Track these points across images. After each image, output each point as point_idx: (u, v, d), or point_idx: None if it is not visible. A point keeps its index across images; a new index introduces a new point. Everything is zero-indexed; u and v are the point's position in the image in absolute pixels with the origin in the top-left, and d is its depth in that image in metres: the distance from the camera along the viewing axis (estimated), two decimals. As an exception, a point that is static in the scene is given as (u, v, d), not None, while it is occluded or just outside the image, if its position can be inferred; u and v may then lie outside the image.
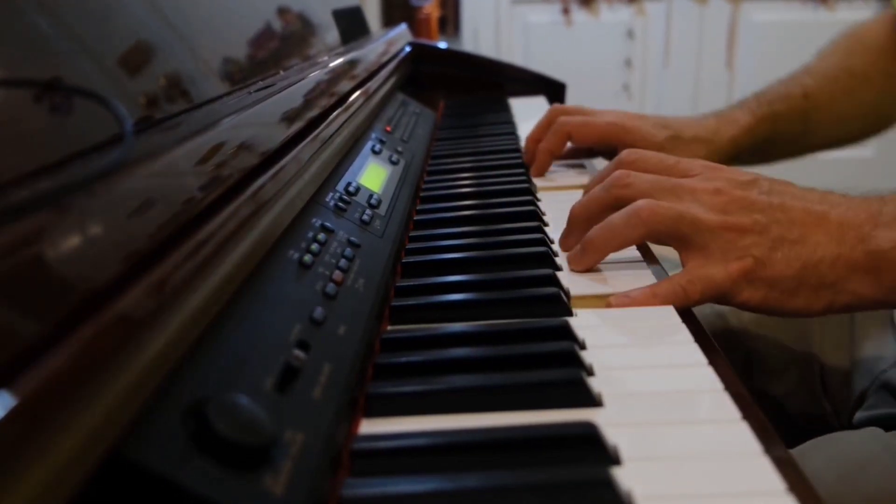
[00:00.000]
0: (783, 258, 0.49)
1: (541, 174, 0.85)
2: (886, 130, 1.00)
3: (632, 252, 0.58)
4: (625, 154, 0.58)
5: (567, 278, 0.55)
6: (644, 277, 0.55)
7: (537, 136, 0.86)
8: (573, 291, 0.53)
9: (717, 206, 0.50)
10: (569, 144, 0.86)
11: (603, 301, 0.51)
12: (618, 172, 0.54)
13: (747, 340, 0.80)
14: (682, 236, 0.50)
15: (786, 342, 0.78)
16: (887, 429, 0.58)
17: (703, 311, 0.83)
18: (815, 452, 0.55)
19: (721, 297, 0.50)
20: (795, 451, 0.56)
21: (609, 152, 0.87)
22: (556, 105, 0.89)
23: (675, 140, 0.86)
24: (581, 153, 0.90)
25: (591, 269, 0.55)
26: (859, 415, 0.66)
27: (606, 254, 0.55)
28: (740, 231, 0.49)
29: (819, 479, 0.51)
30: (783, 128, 0.93)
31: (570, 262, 0.56)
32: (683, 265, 0.51)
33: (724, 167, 0.55)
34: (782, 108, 0.92)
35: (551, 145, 0.84)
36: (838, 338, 0.76)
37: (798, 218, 0.50)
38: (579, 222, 0.57)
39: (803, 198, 0.51)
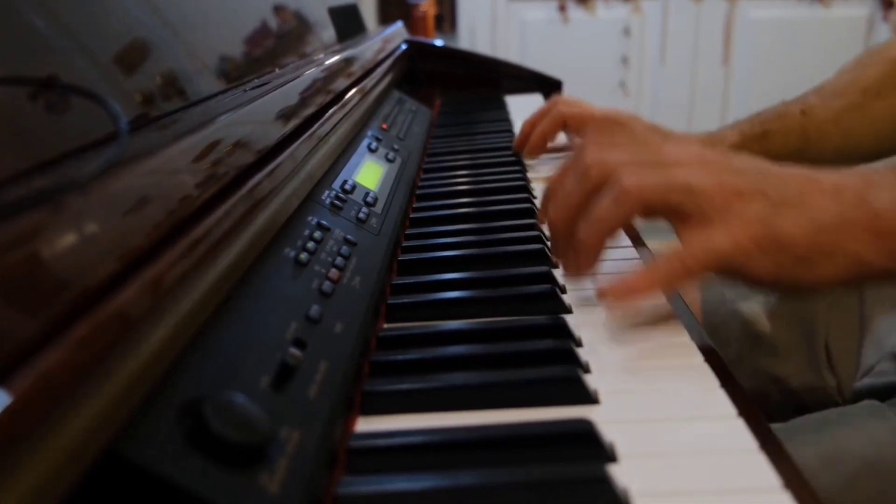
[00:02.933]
0: (790, 220, 0.43)
1: (533, 156, 0.89)
2: None
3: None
4: (590, 132, 0.51)
5: (563, 275, 0.55)
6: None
7: (534, 120, 0.89)
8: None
9: (707, 171, 0.46)
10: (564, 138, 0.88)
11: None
12: (588, 155, 0.48)
13: (754, 323, 0.80)
14: (676, 205, 0.45)
15: (793, 322, 0.79)
16: (884, 398, 0.59)
17: (710, 299, 0.84)
18: (804, 434, 0.56)
19: (729, 270, 0.44)
20: (781, 427, 0.57)
21: None
22: (559, 96, 0.91)
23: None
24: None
25: (592, 269, 0.49)
26: (861, 382, 0.67)
27: (602, 247, 0.48)
28: (738, 193, 0.44)
29: (807, 458, 0.52)
30: (777, 146, 0.92)
31: (566, 271, 0.51)
32: (680, 238, 0.46)
33: (699, 146, 0.50)
34: (776, 126, 0.91)
35: (546, 129, 0.87)
36: (847, 316, 0.77)
37: (793, 181, 0.45)
38: (562, 228, 0.50)
39: (787, 167, 0.47)
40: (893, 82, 0.88)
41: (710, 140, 0.92)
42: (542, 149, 0.88)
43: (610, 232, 0.47)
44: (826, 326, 0.77)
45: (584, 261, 0.48)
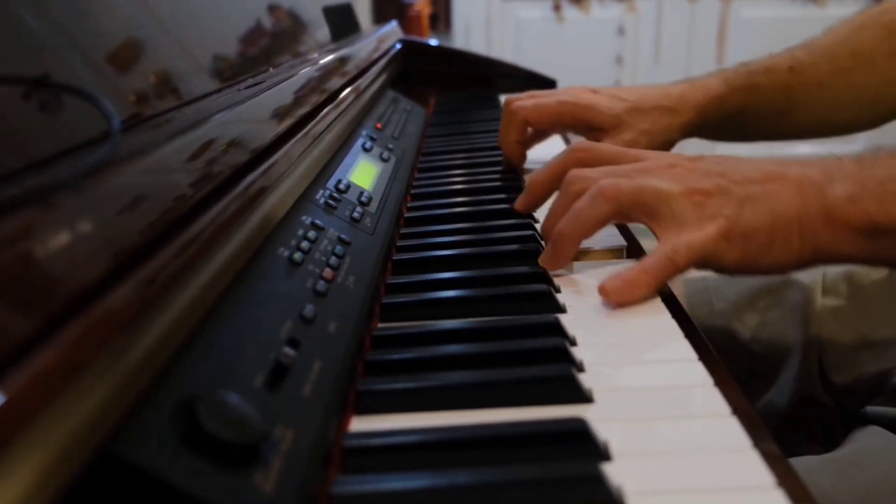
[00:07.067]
0: (752, 212, 0.49)
1: (521, 165, 0.83)
2: (885, 123, 0.89)
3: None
4: (573, 148, 0.58)
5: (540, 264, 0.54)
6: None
7: (502, 133, 0.83)
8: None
9: (676, 178, 0.51)
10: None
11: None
12: (570, 174, 0.54)
13: (748, 342, 0.78)
14: (650, 208, 0.50)
15: (786, 332, 0.76)
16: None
17: (699, 312, 0.81)
18: (825, 473, 0.53)
19: (705, 261, 0.50)
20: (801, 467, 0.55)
21: (579, 130, 0.83)
22: (508, 96, 0.85)
23: (635, 111, 0.81)
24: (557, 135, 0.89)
25: (567, 263, 0.54)
26: (870, 409, 0.65)
27: (579, 242, 0.53)
28: (705, 194, 0.50)
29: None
30: (761, 101, 0.87)
31: (544, 263, 0.54)
32: (658, 238, 0.51)
33: (671, 153, 0.56)
34: (763, 79, 0.86)
35: (513, 135, 0.81)
36: (841, 324, 0.74)
37: (756, 177, 0.50)
38: (547, 232, 0.56)
39: (755, 162, 0.52)
40: (885, 51, 0.83)
41: (691, 86, 0.86)
42: (522, 156, 0.82)
43: (586, 228, 0.52)
44: (820, 340, 0.74)
45: (559, 252, 0.53)
